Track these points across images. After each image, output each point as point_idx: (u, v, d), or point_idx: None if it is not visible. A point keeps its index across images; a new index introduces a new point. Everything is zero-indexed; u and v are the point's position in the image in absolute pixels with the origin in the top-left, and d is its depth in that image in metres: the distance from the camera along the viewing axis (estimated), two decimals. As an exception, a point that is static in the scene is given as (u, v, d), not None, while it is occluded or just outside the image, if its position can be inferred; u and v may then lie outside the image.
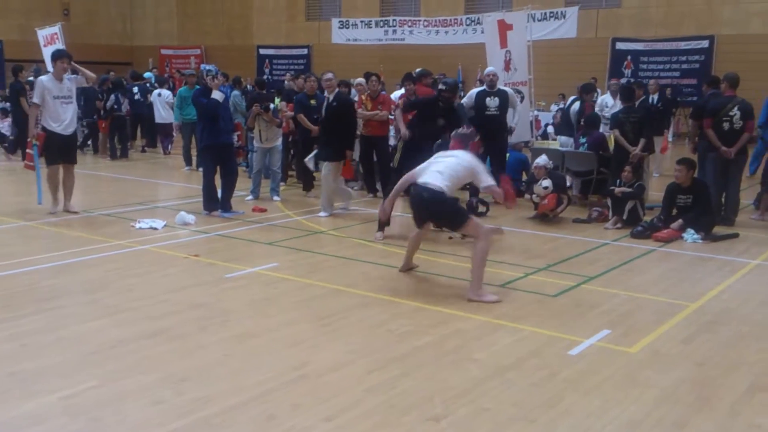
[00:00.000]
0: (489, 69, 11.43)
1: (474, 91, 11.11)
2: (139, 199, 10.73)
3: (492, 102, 10.53)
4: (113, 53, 29.62)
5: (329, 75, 9.83)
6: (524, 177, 11.43)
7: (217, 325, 5.37)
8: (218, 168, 9.53)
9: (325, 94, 9.91)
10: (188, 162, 14.17)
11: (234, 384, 4.33)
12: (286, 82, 14.47)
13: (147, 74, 19.08)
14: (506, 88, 11.18)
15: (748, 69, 17.68)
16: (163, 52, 30.90)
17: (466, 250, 7.81)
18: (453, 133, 6.93)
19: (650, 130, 9.95)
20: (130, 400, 4.09)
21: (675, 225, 8.50)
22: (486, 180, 6.38)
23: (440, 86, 9.08)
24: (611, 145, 10.58)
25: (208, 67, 9.63)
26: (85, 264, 7.11)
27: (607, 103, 14.03)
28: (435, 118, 8.65)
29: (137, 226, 8.72)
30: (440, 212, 6.36)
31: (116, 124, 15.80)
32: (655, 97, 14.04)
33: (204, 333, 5.22)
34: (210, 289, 6.32)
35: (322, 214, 9.67)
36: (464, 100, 10.83)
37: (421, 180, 6.30)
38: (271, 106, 10.72)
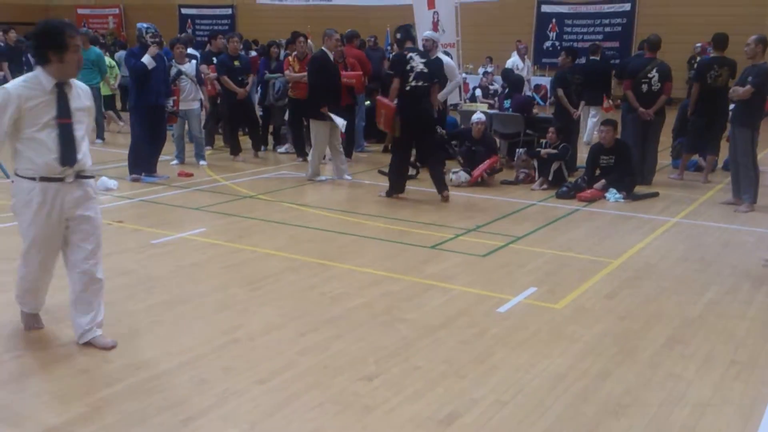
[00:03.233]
0: (426, 33, 10.83)
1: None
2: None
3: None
4: (27, 13, 28.08)
5: (333, 32, 9.68)
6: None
7: (143, 292, 5.26)
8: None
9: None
10: (100, 135, 12.94)
11: (163, 350, 4.26)
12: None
13: None
14: (443, 56, 10.39)
15: (669, 32, 18.13)
16: (80, 12, 29.59)
17: (393, 212, 7.85)
18: None
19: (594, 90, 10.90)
20: (57, 368, 3.98)
21: (598, 185, 8.73)
22: None
23: None
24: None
25: (146, 26, 9.15)
26: (2, 232, 6.82)
27: (518, 65, 14.26)
28: None
29: (57, 192, 8.39)
30: None
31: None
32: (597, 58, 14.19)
33: (131, 300, 5.10)
34: (135, 256, 6.16)
35: (322, 177, 9.65)
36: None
37: None
38: (193, 63, 10.42)
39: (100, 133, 12.96)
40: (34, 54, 4.15)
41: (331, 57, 9.63)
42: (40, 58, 4.05)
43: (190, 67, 10.30)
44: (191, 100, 10.36)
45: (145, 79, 8.90)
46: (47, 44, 4.02)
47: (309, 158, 9.78)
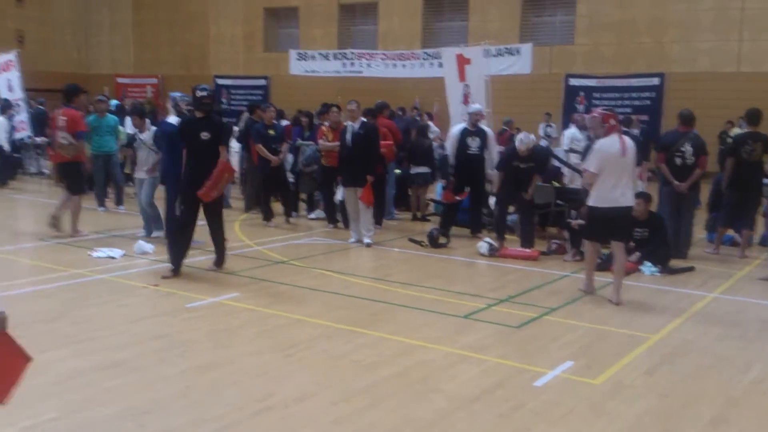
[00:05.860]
0: (475, 107, 10.88)
1: (456, 129, 10.67)
2: (97, 228, 10.49)
3: (473, 142, 10.38)
4: (69, 81, 29.05)
5: (353, 105, 10.02)
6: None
7: (177, 357, 5.25)
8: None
9: (348, 123, 10.05)
10: (101, 202, 12.46)
11: (196, 416, 4.22)
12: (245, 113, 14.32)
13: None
14: (486, 128, 10.76)
15: (698, 106, 18.23)
16: (119, 80, 30.53)
17: (425, 281, 7.82)
18: None
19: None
20: (89, 434, 3.97)
21: (633, 257, 8.63)
22: None
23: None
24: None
25: (179, 95, 9.39)
26: (42, 294, 6.91)
27: (577, 136, 14.41)
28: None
29: (94, 255, 8.53)
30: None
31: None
32: (636, 131, 14.48)
33: (164, 364, 5.09)
34: (170, 320, 6.19)
35: (366, 240, 9.84)
36: (447, 142, 10.68)
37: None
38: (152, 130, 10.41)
39: (120, 198, 12.63)
40: None
41: (353, 126, 9.91)
42: None
43: (148, 135, 10.03)
44: (145, 169, 9.96)
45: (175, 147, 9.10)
46: None
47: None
